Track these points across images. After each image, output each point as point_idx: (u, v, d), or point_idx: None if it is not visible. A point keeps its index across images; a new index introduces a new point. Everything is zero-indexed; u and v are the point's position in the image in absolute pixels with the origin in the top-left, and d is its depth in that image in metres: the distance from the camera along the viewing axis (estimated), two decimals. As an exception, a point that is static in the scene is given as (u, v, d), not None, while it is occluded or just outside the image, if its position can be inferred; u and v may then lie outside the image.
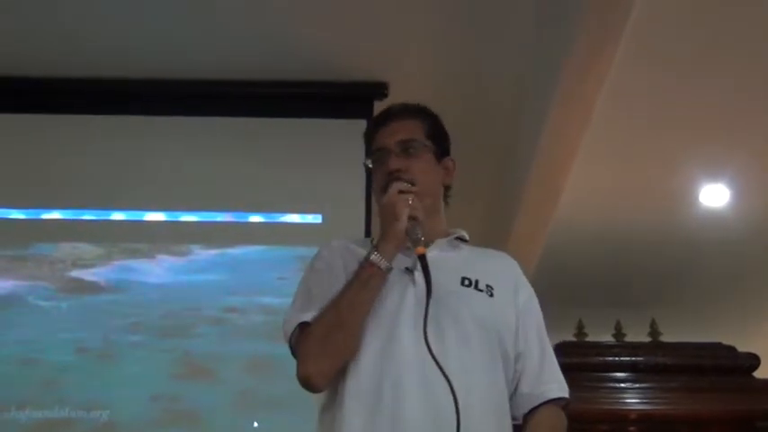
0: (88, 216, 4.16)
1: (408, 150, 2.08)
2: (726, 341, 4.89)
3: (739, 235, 5.31)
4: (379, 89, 4.19)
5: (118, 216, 4.17)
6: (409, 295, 1.93)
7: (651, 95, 4.19)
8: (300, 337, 1.91)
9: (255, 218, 4.20)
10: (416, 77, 4.07)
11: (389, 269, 1.89)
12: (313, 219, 4.16)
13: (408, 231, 1.90)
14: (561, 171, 4.34)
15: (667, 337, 5.04)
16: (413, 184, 2.00)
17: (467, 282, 2.01)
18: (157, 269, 4.08)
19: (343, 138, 4.22)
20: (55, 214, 4.16)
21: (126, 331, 3.93)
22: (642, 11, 3.37)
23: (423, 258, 1.88)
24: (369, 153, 2.16)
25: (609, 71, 3.64)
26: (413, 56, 4.07)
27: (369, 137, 2.18)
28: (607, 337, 5.05)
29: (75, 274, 4.05)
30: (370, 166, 2.12)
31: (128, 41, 4.02)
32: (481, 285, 2.01)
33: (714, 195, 5.01)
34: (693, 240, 5.42)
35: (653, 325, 5.10)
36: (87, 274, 4.05)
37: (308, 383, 1.88)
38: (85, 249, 4.11)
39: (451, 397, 1.74)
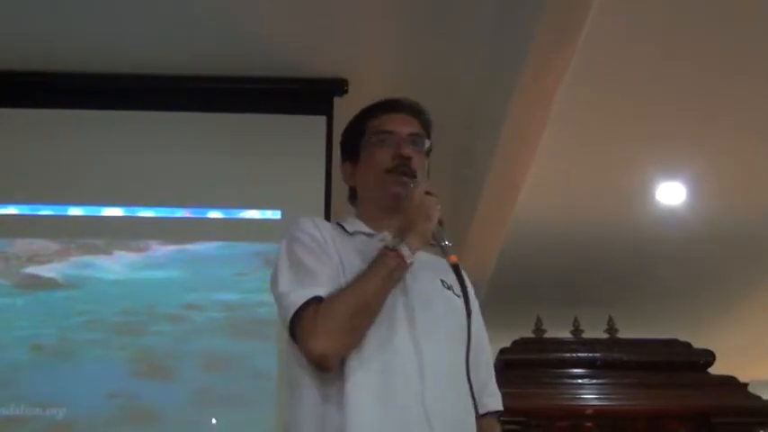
0: (45, 211, 4.10)
1: (416, 144, 2.15)
2: (681, 338, 4.96)
3: (695, 233, 5.38)
4: (339, 86, 4.18)
5: (75, 211, 4.11)
6: (399, 292, 1.94)
7: (610, 93, 4.24)
8: (316, 312, 1.84)
9: (214, 213, 4.17)
10: (377, 74, 4.07)
11: (411, 264, 1.90)
12: (272, 215, 4.13)
13: (435, 235, 1.94)
14: (520, 169, 4.36)
15: (624, 334, 5.10)
16: (414, 176, 2.06)
17: (445, 285, 2.05)
18: (115, 265, 4.03)
19: (303, 134, 4.22)
20: (11, 209, 4.10)
21: (83, 328, 3.87)
22: (601, 10, 3.40)
23: (457, 268, 1.93)
24: (357, 132, 2.21)
25: (568, 69, 3.67)
26: (373, 53, 4.06)
27: (367, 119, 2.22)
28: (565, 334, 5.09)
29: (32, 270, 3.99)
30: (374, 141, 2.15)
31: (84, 35, 3.97)
32: (456, 291, 2.04)
33: (671, 193, 5.07)
34: (650, 238, 5.48)
35: (610, 322, 5.16)
36: (44, 270, 3.99)
37: (323, 361, 1.82)
38: (42, 245, 4.04)
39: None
